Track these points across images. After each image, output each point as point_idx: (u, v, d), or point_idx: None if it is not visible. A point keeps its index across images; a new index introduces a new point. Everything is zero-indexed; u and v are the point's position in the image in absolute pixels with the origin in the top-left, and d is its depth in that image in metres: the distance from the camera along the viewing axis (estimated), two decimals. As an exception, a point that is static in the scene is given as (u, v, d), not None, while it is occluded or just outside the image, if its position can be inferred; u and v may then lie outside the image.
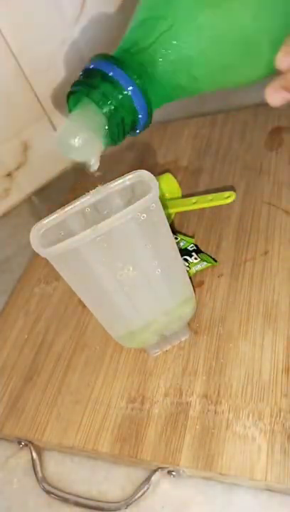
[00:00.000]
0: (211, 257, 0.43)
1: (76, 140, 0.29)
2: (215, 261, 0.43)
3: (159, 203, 0.29)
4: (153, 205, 0.29)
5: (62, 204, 0.30)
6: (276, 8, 0.28)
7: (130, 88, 0.28)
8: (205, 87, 0.32)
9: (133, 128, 0.31)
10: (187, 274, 0.37)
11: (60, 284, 0.49)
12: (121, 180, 0.30)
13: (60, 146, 0.29)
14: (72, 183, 0.63)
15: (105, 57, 0.29)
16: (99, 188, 0.30)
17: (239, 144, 0.54)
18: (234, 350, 0.36)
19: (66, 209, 0.29)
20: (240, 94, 0.62)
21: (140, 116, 0.29)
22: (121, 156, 0.60)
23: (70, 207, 0.30)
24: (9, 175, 0.64)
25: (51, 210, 0.30)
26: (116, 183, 0.30)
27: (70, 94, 0.30)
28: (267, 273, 0.40)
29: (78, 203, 0.30)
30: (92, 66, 0.29)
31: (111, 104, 0.28)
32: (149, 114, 0.30)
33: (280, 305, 0.37)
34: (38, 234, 0.29)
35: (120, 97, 0.28)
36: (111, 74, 0.28)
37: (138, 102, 0.29)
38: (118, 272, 0.31)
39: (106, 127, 0.29)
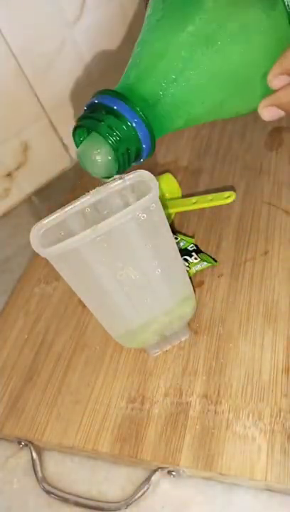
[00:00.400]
0: (211, 257, 0.43)
1: (99, 153, 0.30)
2: (215, 261, 0.43)
3: (159, 203, 0.29)
4: (153, 205, 0.29)
5: (62, 204, 0.30)
6: (265, 45, 0.30)
7: (135, 120, 0.29)
8: (203, 119, 0.34)
9: (138, 156, 0.32)
10: (187, 274, 0.37)
11: (60, 284, 0.49)
12: (121, 180, 0.30)
13: (83, 159, 0.30)
14: (72, 183, 0.63)
15: (109, 92, 0.30)
16: (99, 188, 0.30)
17: (239, 144, 0.54)
18: (234, 350, 0.36)
19: (66, 209, 0.29)
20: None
21: (144, 146, 0.30)
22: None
23: (70, 207, 0.30)
24: (9, 175, 0.64)
25: (51, 210, 0.30)
26: (116, 183, 0.30)
27: (75, 128, 0.31)
28: (267, 273, 0.40)
29: (78, 203, 0.30)
30: (96, 101, 0.30)
31: (116, 135, 0.29)
32: (153, 144, 0.31)
33: (280, 305, 0.37)
34: (38, 234, 0.29)
35: (125, 129, 0.29)
36: (115, 108, 0.29)
37: (142, 134, 0.30)
38: (118, 272, 0.31)
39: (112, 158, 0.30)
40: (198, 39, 0.29)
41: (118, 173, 0.30)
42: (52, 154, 0.67)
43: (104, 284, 0.31)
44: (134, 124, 0.29)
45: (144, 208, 0.28)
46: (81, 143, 0.31)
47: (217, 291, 0.41)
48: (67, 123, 0.66)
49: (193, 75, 0.30)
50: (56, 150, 0.67)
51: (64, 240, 0.27)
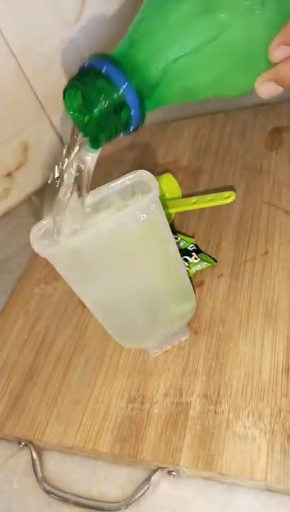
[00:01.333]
0: (211, 257, 0.43)
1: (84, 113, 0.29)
2: (215, 261, 0.43)
3: (159, 203, 0.29)
4: (153, 205, 0.29)
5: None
6: (269, 19, 0.28)
7: (124, 85, 0.28)
8: (201, 94, 0.32)
9: (126, 125, 0.31)
10: (187, 274, 0.37)
11: (60, 284, 0.49)
12: (121, 180, 0.30)
13: (73, 118, 0.29)
14: (72, 183, 0.63)
15: (101, 56, 0.30)
16: (99, 188, 0.30)
17: (239, 144, 0.54)
18: (234, 350, 0.36)
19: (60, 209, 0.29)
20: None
21: (132, 114, 0.30)
22: (121, 156, 0.60)
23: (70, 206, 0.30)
24: (9, 175, 0.64)
25: (51, 210, 0.30)
26: (116, 183, 0.30)
27: (65, 90, 0.30)
28: (267, 273, 0.40)
29: (76, 202, 0.30)
30: (86, 64, 0.30)
31: (104, 99, 0.28)
32: (142, 114, 0.30)
33: (280, 305, 0.37)
34: (37, 234, 0.29)
35: (113, 93, 0.29)
36: (104, 70, 0.28)
37: (131, 101, 0.29)
38: (118, 271, 0.31)
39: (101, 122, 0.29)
40: (199, 8, 0.28)
41: (105, 139, 0.30)
42: (52, 154, 0.67)
43: (104, 284, 0.31)
44: (123, 87, 0.28)
45: (144, 208, 0.28)
46: (71, 106, 0.30)
47: (217, 291, 0.41)
48: (67, 123, 0.66)
49: (192, 43, 0.28)
50: (56, 150, 0.67)
51: (64, 241, 0.27)
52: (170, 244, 0.33)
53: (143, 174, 0.29)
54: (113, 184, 0.30)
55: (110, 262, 0.30)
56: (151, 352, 0.38)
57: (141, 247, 0.30)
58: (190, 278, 0.38)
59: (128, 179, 0.30)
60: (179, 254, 0.35)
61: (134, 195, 0.30)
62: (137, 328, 0.35)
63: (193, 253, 0.43)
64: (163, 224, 0.31)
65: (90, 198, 0.30)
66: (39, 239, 0.29)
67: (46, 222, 0.29)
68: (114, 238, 0.28)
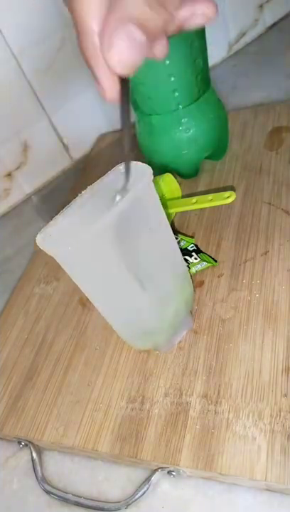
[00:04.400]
0: (211, 257, 0.43)
1: None
2: (215, 261, 0.43)
3: (152, 184, 0.30)
4: (148, 186, 0.29)
5: (62, 204, 0.30)
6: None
7: None
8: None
9: None
10: (181, 253, 0.37)
11: (60, 284, 0.49)
12: (112, 172, 0.30)
13: None
14: (72, 183, 0.63)
15: None
16: (95, 183, 0.30)
17: (239, 144, 0.54)
18: (234, 350, 0.36)
19: (65, 209, 0.30)
20: (240, 94, 0.62)
21: None
22: (121, 155, 0.60)
23: (69, 206, 0.30)
24: (9, 175, 0.64)
25: (51, 210, 0.30)
26: (108, 176, 0.30)
27: None
28: (267, 273, 0.40)
29: (78, 200, 0.30)
30: None
31: None
32: None
33: (280, 305, 0.37)
34: (46, 236, 0.29)
35: None
36: None
37: None
38: (126, 258, 0.30)
39: None
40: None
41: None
42: (52, 154, 0.67)
43: (115, 274, 0.31)
44: None
45: (143, 191, 0.29)
46: None
47: (217, 291, 0.41)
48: (67, 123, 0.66)
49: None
50: (56, 150, 0.67)
51: (72, 238, 0.27)
52: (165, 224, 0.33)
53: (135, 163, 0.30)
54: (107, 178, 0.30)
55: (120, 251, 0.30)
56: (163, 348, 0.38)
57: (144, 231, 0.30)
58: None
59: (119, 168, 0.30)
60: (172, 234, 0.35)
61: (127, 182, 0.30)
62: (148, 319, 0.35)
63: (193, 253, 0.43)
64: (158, 206, 0.31)
65: (87, 194, 0.30)
66: (48, 240, 0.28)
67: (51, 223, 0.29)
68: (121, 226, 0.28)
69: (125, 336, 0.38)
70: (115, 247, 0.29)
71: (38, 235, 0.29)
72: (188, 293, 0.38)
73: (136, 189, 0.28)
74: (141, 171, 0.29)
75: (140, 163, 0.30)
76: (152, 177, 0.29)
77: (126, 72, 0.20)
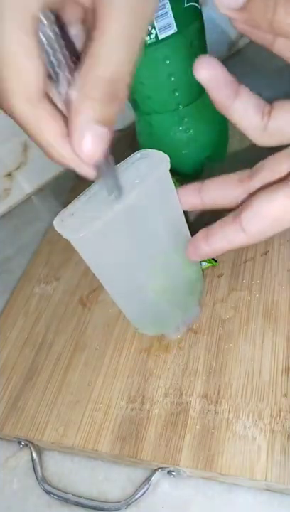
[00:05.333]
0: (211, 257, 0.43)
1: None
2: (215, 261, 0.43)
3: (168, 172, 0.30)
4: (165, 172, 0.29)
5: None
6: None
7: None
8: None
9: None
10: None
11: (60, 284, 0.49)
12: (128, 159, 0.30)
13: None
14: (72, 183, 0.63)
15: None
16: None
17: (239, 145, 0.54)
18: (234, 350, 0.36)
19: (82, 195, 0.29)
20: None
21: None
22: (121, 155, 0.60)
23: (86, 192, 0.29)
24: (9, 175, 0.64)
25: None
26: (123, 163, 0.30)
27: None
28: (267, 273, 0.40)
29: (94, 186, 0.29)
30: None
31: None
32: None
33: (280, 305, 0.37)
34: (62, 219, 0.28)
35: None
36: None
37: None
38: (139, 246, 0.30)
39: None
40: None
41: None
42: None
43: (128, 260, 0.31)
44: None
45: (159, 180, 0.29)
46: None
47: (217, 291, 0.41)
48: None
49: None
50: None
51: (90, 223, 0.27)
52: (179, 212, 0.33)
53: (149, 150, 0.30)
54: (121, 166, 0.30)
55: (136, 235, 0.30)
56: (172, 335, 0.38)
57: (157, 218, 0.30)
58: (190, 278, 0.38)
59: (136, 156, 0.30)
60: (185, 221, 0.35)
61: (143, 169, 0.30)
62: (159, 308, 0.35)
63: (193, 253, 0.43)
64: (173, 192, 0.31)
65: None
66: (68, 226, 0.28)
67: (69, 208, 0.29)
68: (138, 211, 0.28)
69: (135, 322, 0.38)
70: (129, 234, 0.29)
71: (55, 218, 0.28)
72: (197, 279, 0.38)
73: (152, 178, 0.28)
74: (158, 159, 0.29)
75: (156, 151, 0.30)
76: (169, 166, 0.29)
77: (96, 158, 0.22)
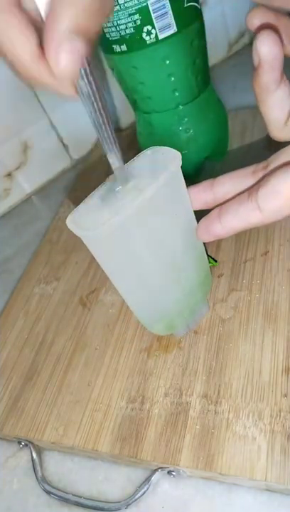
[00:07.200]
0: (211, 257, 0.43)
1: None
2: (215, 261, 0.43)
3: (180, 170, 0.29)
4: (178, 170, 0.29)
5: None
6: None
7: None
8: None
9: None
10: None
11: (60, 284, 0.49)
12: (139, 156, 0.30)
13: None
14: (72, 183, 0.63)
15: None
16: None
17: (239, 145, 0.54)
18: (234, 350, 0.36)
19: (95, 191, 0.29)
20: (240, 94, 0.62)
21: None
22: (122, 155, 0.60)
23: (99, 188, 0.29)
24: (9, 175, 0.64)
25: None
26: (135, 160, 0.30)
27: None
28: (267, 273, 0.40)
29: (107, 183, 0.29)
30: None
31: None
32: None
33: (280, 305, 0.37)
34: (74, 217, 0.28)
35: None
36: None
37: None
38: (149, 244, 0.30)
39: None
40: None
41: None
42: (52, 154, 0.67)
43: (145, 258, 0.31)
44: None
45: (171, 177, 0.28)
46: None
47: (217, 291, 0.41)
48: (67, 123, 0.66)
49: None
50: (56, 150, 0.67)
51: (101, 221, 0.27)
52: (190, 211, 0.33)
53: (159, 147, 0.30)
54: (133, 162, 0.30)
55: (148, 234, 0.30)
56: (179, 333, 0.38)
57: (170, 216, 0.30)
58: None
59: (147, 152, 0.30)
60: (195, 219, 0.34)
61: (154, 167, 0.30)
62: (169, 307, 0.35)
63: (193, 253, 0.43)
64: (185, 190, 0.31)
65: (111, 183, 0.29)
66: (81, 223, 0.28)
67: (80, 207, 0.29)
68: (151, 209, 0.28)
69: (145, 321, 0.38)
70: (141, 232, 0.29)
71: (68, 216, 0.28)
72: (206, 276, 0.38)
73: (165, 175, 0.28)
74: (170, 156, 0.29)
75: (168, 148, 0.29)
76: (180, 163, 0.29)
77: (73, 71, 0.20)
